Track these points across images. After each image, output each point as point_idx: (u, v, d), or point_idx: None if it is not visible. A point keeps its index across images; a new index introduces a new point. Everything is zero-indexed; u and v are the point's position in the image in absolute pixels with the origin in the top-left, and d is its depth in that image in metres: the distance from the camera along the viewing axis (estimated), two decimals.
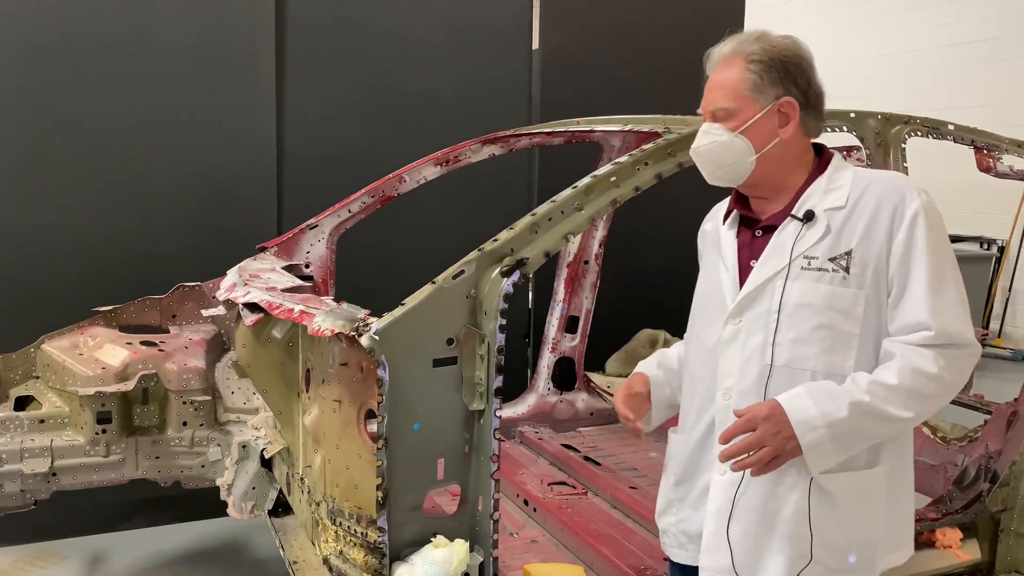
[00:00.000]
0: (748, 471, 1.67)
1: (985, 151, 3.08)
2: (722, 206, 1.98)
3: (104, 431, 2.77)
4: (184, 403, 2.86)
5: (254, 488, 2.93)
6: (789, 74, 1.74)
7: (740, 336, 1.77)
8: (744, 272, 1.80)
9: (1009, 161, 3.16)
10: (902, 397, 1.62)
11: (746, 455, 1.65)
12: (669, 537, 2.00)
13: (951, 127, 2.82)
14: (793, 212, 1.75)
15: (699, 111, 1.85)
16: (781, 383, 1.70)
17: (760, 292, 1.75)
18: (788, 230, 1.75)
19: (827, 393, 1.64)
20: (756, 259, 1.78)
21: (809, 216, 1.73)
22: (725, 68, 1.76)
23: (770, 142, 1.75)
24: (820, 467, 1.67)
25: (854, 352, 1.69)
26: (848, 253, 1.68)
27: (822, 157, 1.82)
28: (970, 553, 2.87)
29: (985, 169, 3.23)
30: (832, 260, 1.69)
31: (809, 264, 1.71)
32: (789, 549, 1.72)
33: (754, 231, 1.82)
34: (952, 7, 8.79)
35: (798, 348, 1.70)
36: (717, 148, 1.77)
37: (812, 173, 1.79)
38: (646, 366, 2.10)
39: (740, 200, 1.88)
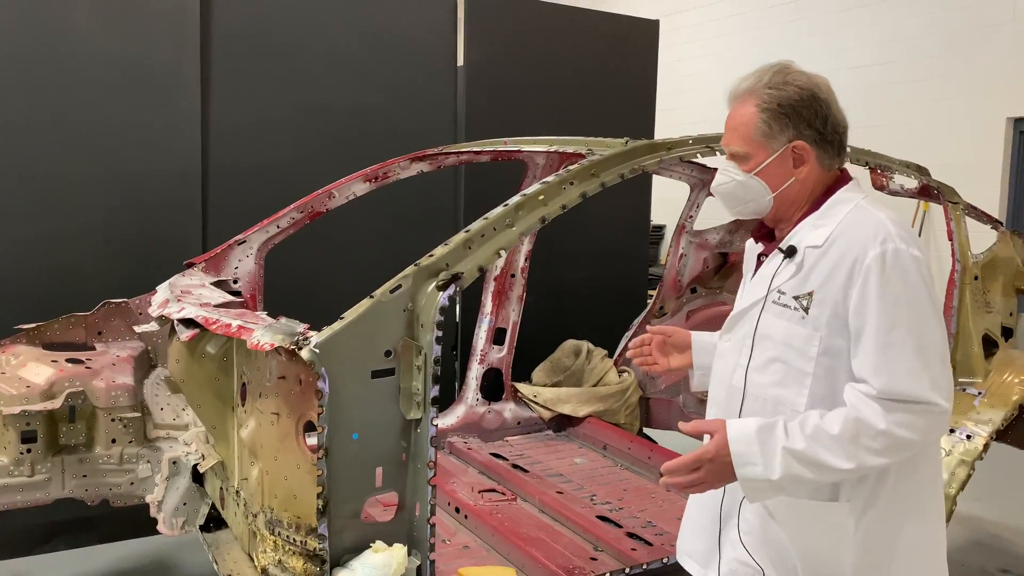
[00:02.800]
0: None
1: (879, 171, 3.33)
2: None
3: (29, 451, 2.72)
4: (113, 420, 2.84)
5: (185, 504, 2.93)
6: (801, 117, 1.74)
7: (725, 355, 1.88)
8: None
9: (900, 180, 3.43)
10: (842, 447, 1.61)
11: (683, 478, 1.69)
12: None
13: (848, 149, 3.05)
14: (780, 245, 1.80)
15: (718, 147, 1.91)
16: (745, 406, 1.80)
17: (741, 317, 1.85)
18: (771, 263, 1.81)
19: (772, 435, 1.64)
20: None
21: (791, 252, 1.76)
22: (740, 107, 1.78)
23: (786, 182, 1.77)
24: (757, 499, 1.71)
25: (807, 390, 1.71)
26: (810, 294, 1.71)
27: (832, 187, 1.81)
28: None
29: (879, 187, 3.49)
30: (796, 298, 1.73)
31: (779, 298, 1.76)
32: (734, 554, 1.83)
33: (760, 257, 1.90)
34: (850, 32, 9.33)
35: (756, 376, 1.79)
36: (735, 187, 1.80)
37: (813, 205, 1.80)
38: (699, 333, 2.11)
39: (762, 224, 1.93)
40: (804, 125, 1.74)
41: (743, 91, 1.78)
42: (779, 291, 1.76)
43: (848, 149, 1.84)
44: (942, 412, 1.62)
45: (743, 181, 1.79)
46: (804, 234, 1.77)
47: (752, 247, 1.96)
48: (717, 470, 1.67)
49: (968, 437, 2.98)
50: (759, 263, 1.89)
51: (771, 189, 1.78)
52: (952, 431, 3.02)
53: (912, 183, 3.39)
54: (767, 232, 1.90)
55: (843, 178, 1.83)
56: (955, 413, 3.05)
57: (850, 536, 1.72)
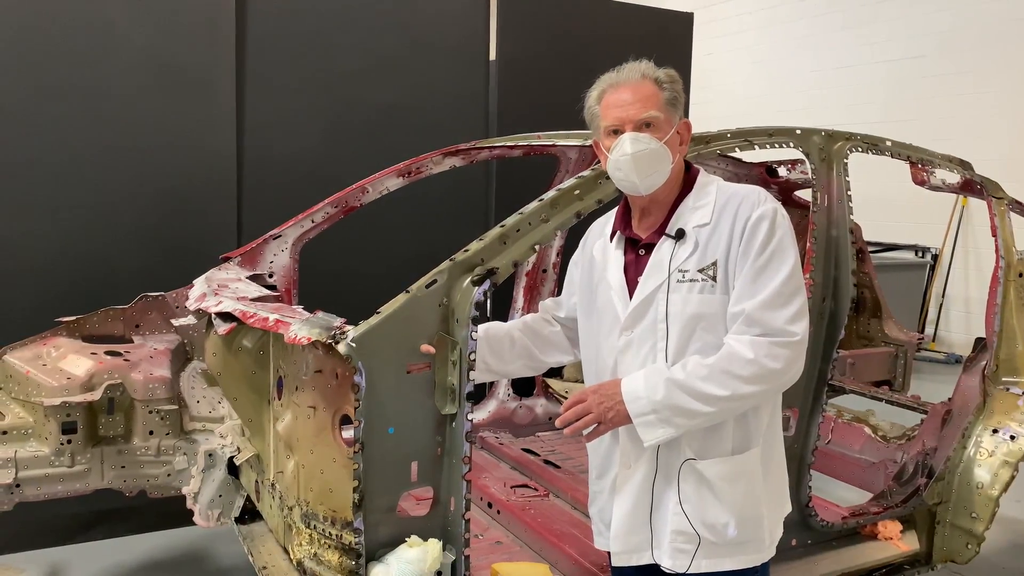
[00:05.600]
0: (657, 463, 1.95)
1: (919, 165, 3.27)
2: (603, 225, 2.16)
3: (69, 441, 2.76)
4: (150, 412, 2.87)
5: (220, 496, 2.95)
6: (682, 100, 1.97)
7: (633, 346, 1.96)
8: (632, 288, 1.99)
9: (941, 175, 3.36)
10: (716, 375, 1.81)
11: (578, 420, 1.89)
12: (594, 524, 2.19)
13: (888, 143, 2.99)
14: (667, 232, 1.95)
15: (605, 124, 1.97)
16: None
17: (646, 305, 1.94)
18: (664, 248, 1.95)
19: (657, 372, 1.87)
20: (641, 276, 1.97)
21: (680, 234, 1.93)
22: (640, 87, 1.93)
23: (675, 157, 1.95)
24: (650, 438, 1.86)
25: None
26: (714, 263, 1.89)
27: (690, 173, 2.03)
28: (909, 544, 3.04)
29: (920, 182, 3.43)
30: (701, 271, 1.90)
31: (683, 277, 1.91)
32: (673, 526, 1.94)
33: (638, 250, 2.02)
34: (883, 26, 9.18)
35: (680, 352, 1.91)
36: (650, 154, 1.90)
37: (683, 190, 2.00)
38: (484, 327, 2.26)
39: (623, 221, 2.07)
40: (682, 108, 1.98)
41: (637, 76, 1.93)
42: (680, 270, 1.91)
43: None
44: (800, 342, 1.84)
45: (656, 148, 1.90)
46: (687, 216, 1.95)
47: (603, 247, 2.08)
48: (600, 400, 1.87)
49: (1012, 438, 2.92)
50: (639, 256, 1.99)
51: (672, 159, 1.93)
52: (995, 431, 2.96)
53: (954, 178, 3.32)
54: (627, 225, 2.05)
55: (691, 165, 2.04)
56: (998, 413, 2.99)
57: (760, 477, 1.96)
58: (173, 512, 3.33)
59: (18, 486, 2.73)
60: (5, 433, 2.76)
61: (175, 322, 3.04)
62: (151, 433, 2.89)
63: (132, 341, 3.09)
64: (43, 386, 2.74)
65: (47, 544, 3.71)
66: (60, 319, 3.04)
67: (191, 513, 2.97)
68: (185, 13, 3.91)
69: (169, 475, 2.94)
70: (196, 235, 3.95)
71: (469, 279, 2.14)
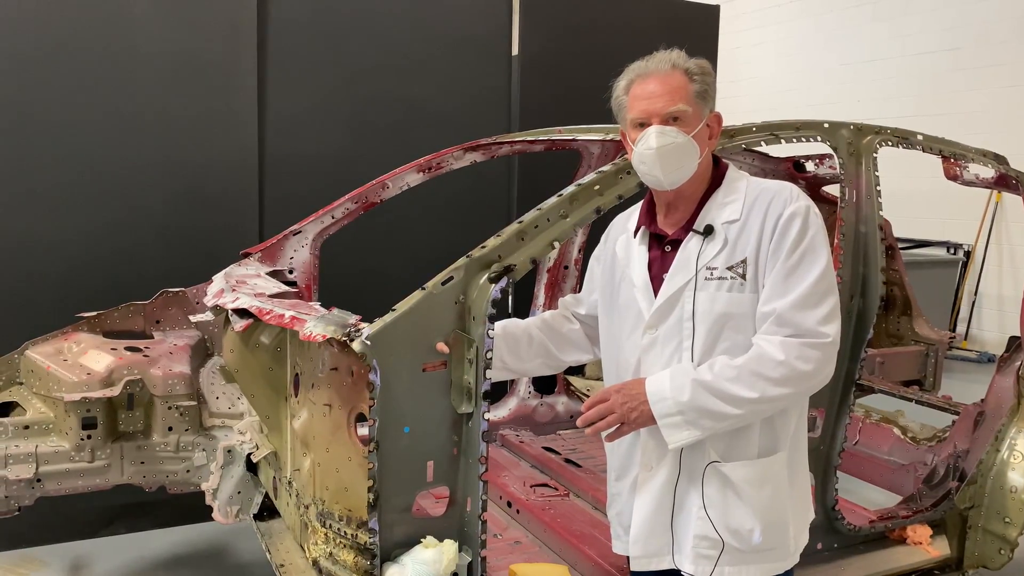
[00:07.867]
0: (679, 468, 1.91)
1: (952, 160, 3.18)
2: (626, 220, 2.11)
3: (89, 437, 2.77)
4: (169, 408, 2.87)
5: (239, 492, 2.94)
6: (713, 91, 1.90)
7: (657, 344, 1.91)
8: (656, 285, 1.93)
9: (975, 169, 3.27)
10: (745, 377, 1.76)
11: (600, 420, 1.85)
12: (612, 528, 2.14)
13: (920, 137, 2.91)
14: (695, 227, 1.90)
15: (630, 116, 1.90)
16: None
17: (672, 303, 1.89)
18: (692, 244, 1.90)
19: (683, 372, 1.82)
20: (667, 272, 1.91)
21: (709, 230, 1.88)
22: (669, 78, 1.86)
23: (703, 151, 1.88)
24: (675, 440, 1.81)
25: None
26: (743, 261, 1.84)
27: (718, 168, 1.97)
28: (939, 549, 2.96)
29: (952, 177, 3.33)
30: (730, 269, 1.85)
31: (711, 274, 1.86)
32: (696, 531, 1.88)
33: (663, 247, 1.96)
34: (916, 18, 9.00)
35: (707, 351, 1.85)
36: (676, 149, 1.84)
37: (711, 185, 1.94)
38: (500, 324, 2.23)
39: (648, 216, 2.01)
40: (713, 100, 1.90)
41: (667, 67, 1.86)
42: (708, 268, 1.86)
43: None
44: (831, 344, 1.79)
45: (683, 143, 1.83)
46: (715, 212, 1.89)
47: (627, 243, 2.03)
48: (623, 400, 1.82)
49: None
50: (665, 253, 1.94)
51: (699, 154, 1.86)
52: None
53: (988, 172, 3.22)
54: (652, 220, 2.00)
55: (720, 159, 1.98)
56: None
57: (786, 482, 1.92)
58: (193, 508, 3.34)
59: (39, 480, 2.74)
60: (27, 428, 2.77)
61: (194, 318, 3.03)
62: (170, 429, 2.89)
63: (152, 337, 3.10)
64: (63, 381, 2.75)
65: (69, 538, 3.74)
66: (81, 314, 3.05)
67: (210, 509, 2.96)
68: (206, 8, 3.91)
69: (188, 471, 2.94)
70: (218, 230, 3.95)
71: (486, 276, 2.10)
